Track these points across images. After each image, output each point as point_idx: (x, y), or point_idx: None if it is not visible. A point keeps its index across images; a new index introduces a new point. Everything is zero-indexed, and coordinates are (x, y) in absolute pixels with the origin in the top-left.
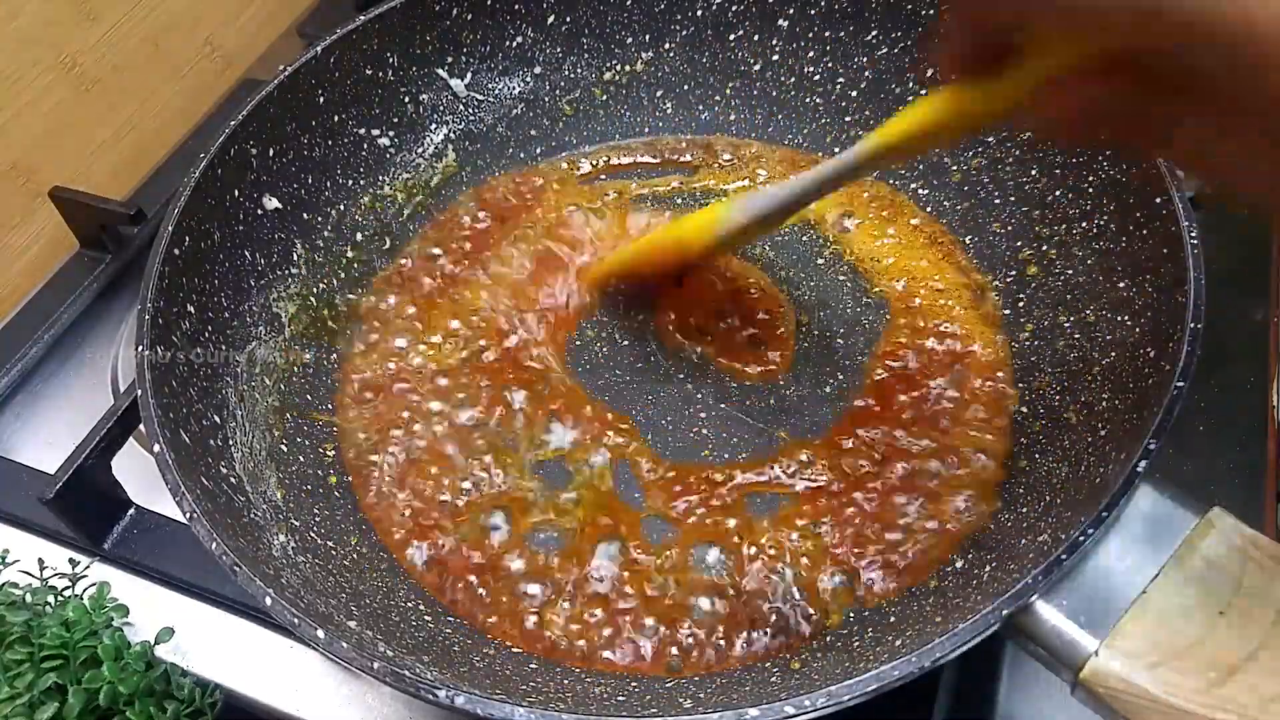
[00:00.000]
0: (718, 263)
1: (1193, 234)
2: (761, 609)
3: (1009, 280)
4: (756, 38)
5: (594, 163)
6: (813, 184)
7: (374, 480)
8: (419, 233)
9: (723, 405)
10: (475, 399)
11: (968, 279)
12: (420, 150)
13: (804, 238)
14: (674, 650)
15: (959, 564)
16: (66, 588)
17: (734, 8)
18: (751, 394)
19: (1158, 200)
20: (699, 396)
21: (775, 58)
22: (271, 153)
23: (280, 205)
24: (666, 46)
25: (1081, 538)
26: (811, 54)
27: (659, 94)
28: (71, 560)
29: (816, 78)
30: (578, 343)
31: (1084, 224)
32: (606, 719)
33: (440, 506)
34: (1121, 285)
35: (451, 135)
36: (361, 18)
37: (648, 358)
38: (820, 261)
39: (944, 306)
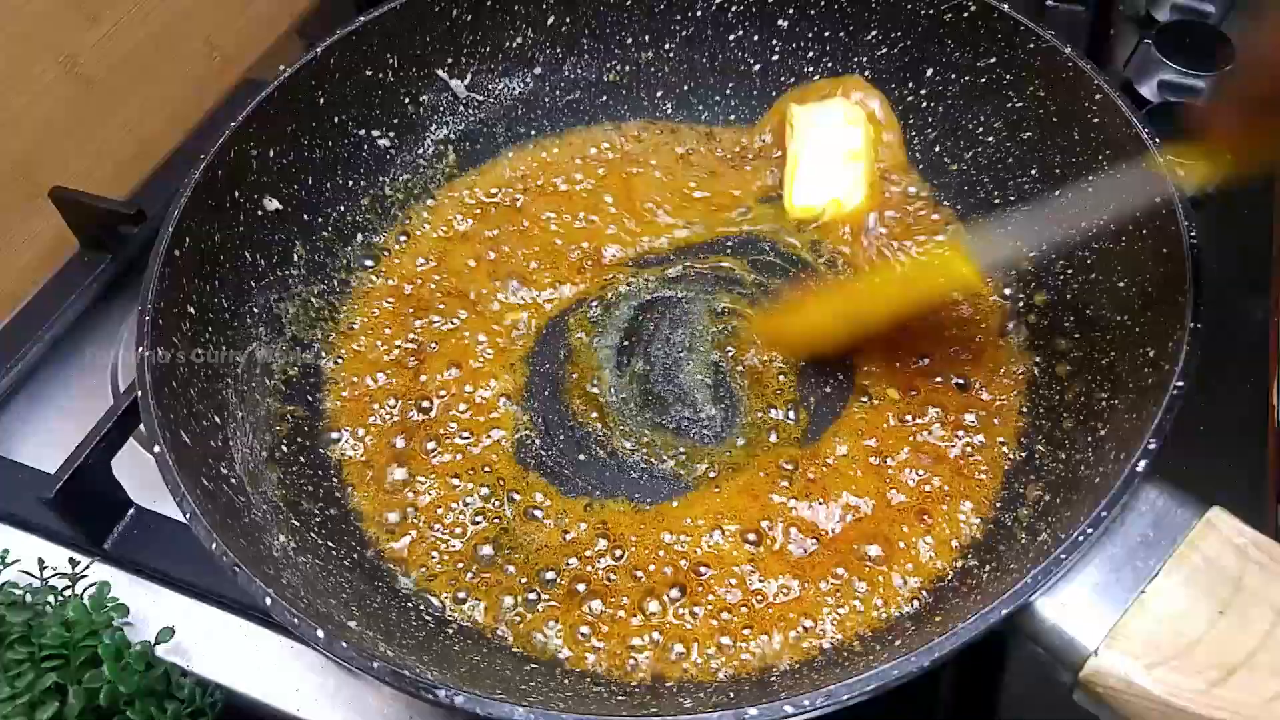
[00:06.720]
0: None
1: (1193, 234)
2: None
3: (1009, 280)
4: (756, 38)
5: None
6: None
7: (375, 481)
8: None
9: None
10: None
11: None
12: (420, 151)
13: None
14: None
15: (959, 564)
16: (66, 588)
17: (734, 8)
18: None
19: (1157, 200)
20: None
21: (775, 58)
22: (272, 154)
23: (280, 206)
24: (666, 46)
25: (1081, 538)
26: (811, 54)
27: (659, 94)
28: (71, 560)
29: (817, 78)
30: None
31: (1084, 224)
32: (606, 719)
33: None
34: (1121, 285)
35: (451, 136)
36: (361, 19)
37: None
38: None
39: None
